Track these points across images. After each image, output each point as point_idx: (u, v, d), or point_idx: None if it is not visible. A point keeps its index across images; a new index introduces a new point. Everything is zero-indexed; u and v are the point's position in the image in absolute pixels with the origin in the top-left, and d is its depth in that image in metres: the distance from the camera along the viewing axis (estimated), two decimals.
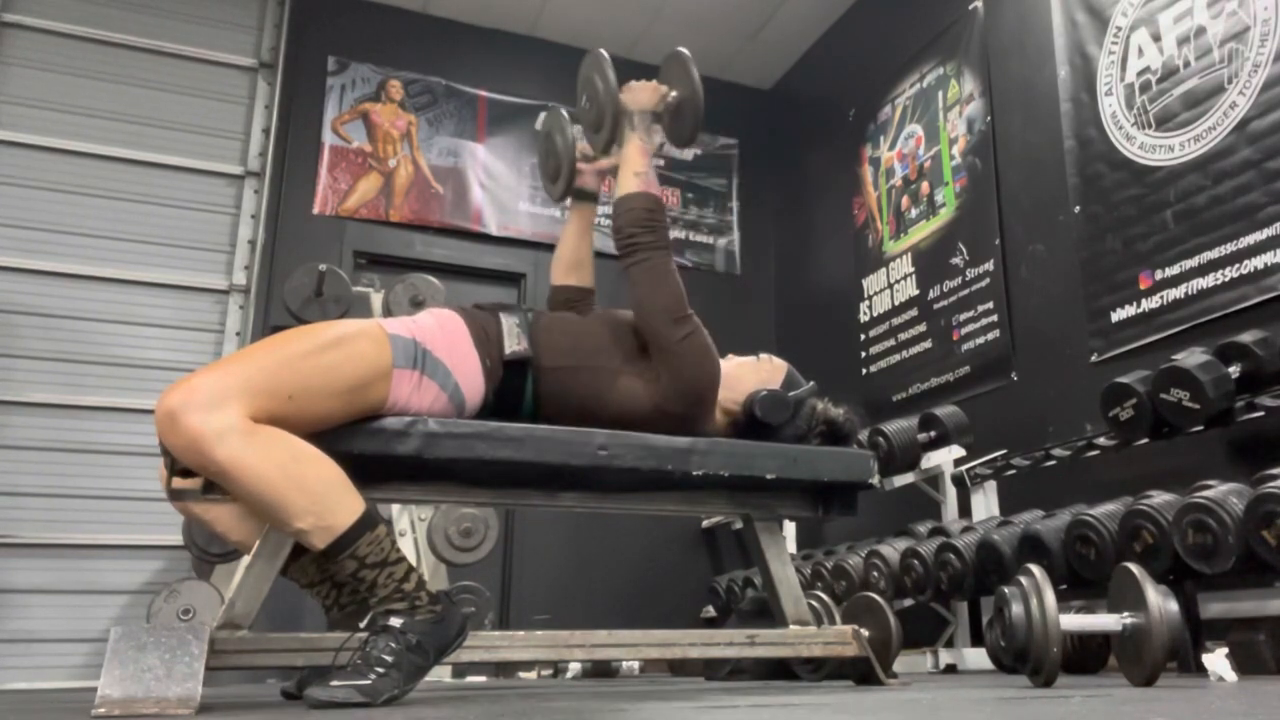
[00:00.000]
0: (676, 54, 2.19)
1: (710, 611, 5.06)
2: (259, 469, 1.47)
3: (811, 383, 2.11)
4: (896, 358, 4.75)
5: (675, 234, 5.71)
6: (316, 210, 5.06)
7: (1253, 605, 2.48)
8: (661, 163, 5.85)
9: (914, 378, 4.59)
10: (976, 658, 3.28)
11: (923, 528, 3.71)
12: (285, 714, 1.41)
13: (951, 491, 3.79)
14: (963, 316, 4.30)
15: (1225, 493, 2.41)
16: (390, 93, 5.36)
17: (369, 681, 1.44)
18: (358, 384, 1.63)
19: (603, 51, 2.16)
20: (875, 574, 3.57)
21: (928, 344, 4.52)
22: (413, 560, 3.48)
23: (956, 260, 4.38)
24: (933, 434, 3.83)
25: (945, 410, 3.87)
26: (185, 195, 4.80)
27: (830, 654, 2.06)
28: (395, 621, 1.52)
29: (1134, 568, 1.84)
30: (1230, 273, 3.10)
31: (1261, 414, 2.70)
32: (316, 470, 1.52)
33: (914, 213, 4.76)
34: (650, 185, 2.03)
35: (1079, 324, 3.65)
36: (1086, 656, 2.51)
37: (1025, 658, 1.81)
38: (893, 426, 3.89)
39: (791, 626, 2.05)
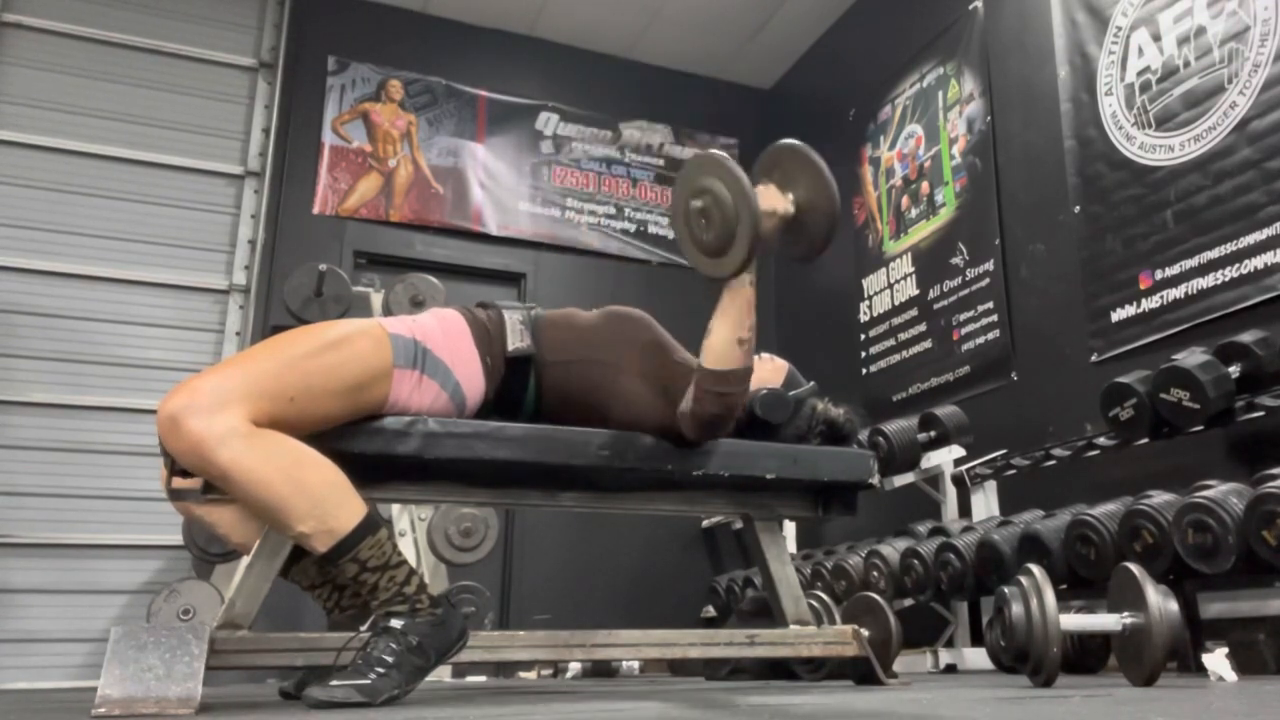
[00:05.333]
0: (796, 148, 1.69)
1: (710, 611, 5.06)
2: (261, 473, 1.47)
3: (812, 383, 2.11)
4: (896, 358, 4.74)
5: (674, 233, 5.70)
6: (316, 210, 5.06)
7: (1253, 605, 2.48)
8: (662, 163, 5.85)
9: (914, 378, 4.59)
10: (976, 658, 3.28)
11: (923, 528, 3.71)
12: (285, 714, 1.41)
13: (951, 491, 3.79)
14: (963, 316, 4.30)
15: (1225, 493, 2.41)
16: (390, 92, 5.36)
17: (368, 681, 1.44)
18: (359, 384, 1.63)
19: (721, 153, 1.67)
20: (875, 574, 3.57)
21: (928, 344, 4.52)
22: (413, 560, 3.49)
23: (956, 260, 4.38)
24: (933, 434, 3.83)
25: (945, 410, 3.87)
26: (185, 195, 4.80)
27: (830, 654, 2.06)
28: (396, 623, 1.52)
29: (1134, 568, 1.84)
30: (1230, 273, 3.10)
31: (1261, 414, 2.70)
32: (318, 474, 1.52)
33: (914, 213, 4.75)
34: (749, 355, 1.69)
35: (1079, 324, 3.65)
36: (1086, 656, 2.51)
37: (1025, 658, 1.81)
38: (893, 426, 3.88)
39: (791, 626, 2.05)
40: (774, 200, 1.67)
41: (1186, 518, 2.42)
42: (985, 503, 3.63)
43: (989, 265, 4.18)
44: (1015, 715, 1.17)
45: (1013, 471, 3.58)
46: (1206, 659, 2.09)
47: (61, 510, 4.27)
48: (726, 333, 1.67)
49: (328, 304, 3.83)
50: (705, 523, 5.31)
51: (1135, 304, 3.43)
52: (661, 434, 1.86)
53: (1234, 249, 3.10)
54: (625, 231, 5.61)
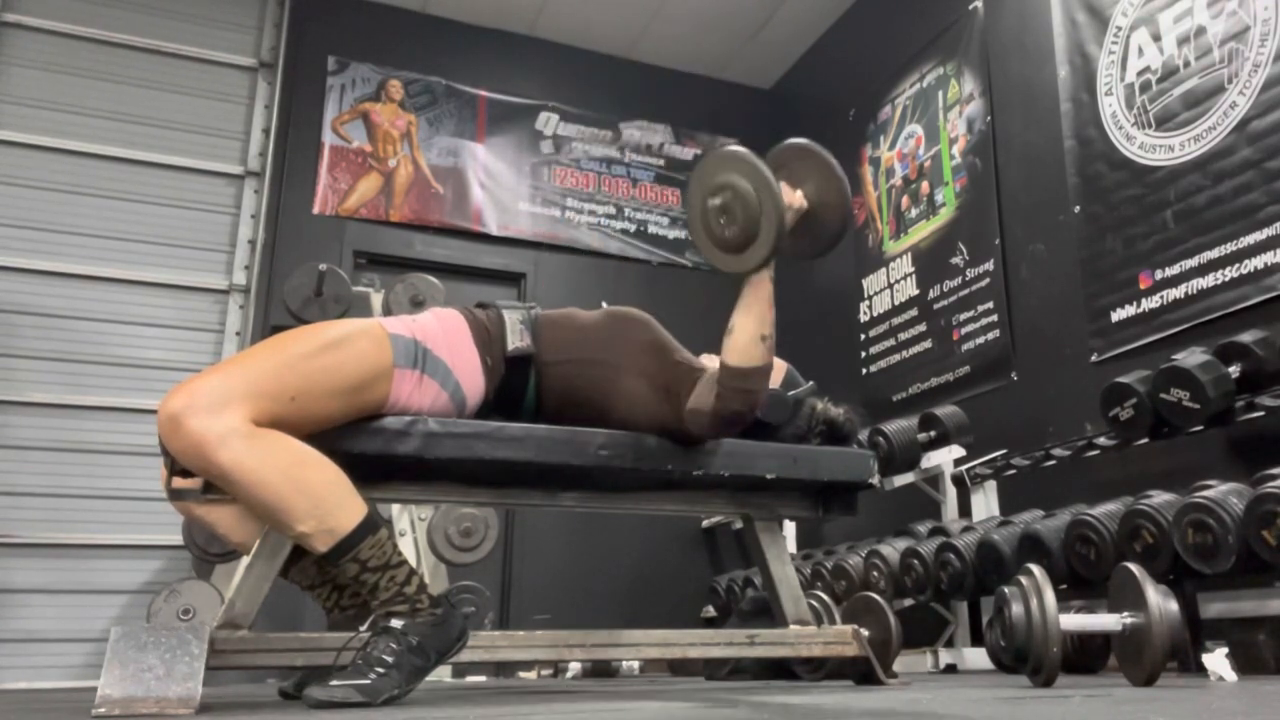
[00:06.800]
0: (804, 146, 1.73)
1: (710, 611, 5.06)
2: (261, 473, 1.47)
3: (811, 382, 2.11)
4: (896, 358, 4.75)
5: (676, 233, 5.71)
6: (316, 210, 5.06)
7: (1253, 605, 2.48)
8: (662, 163, 5.85)
9: (914, 378, 4.59)
10: (976, 658, 3.28)
11: (923, 528, 3.71)
12: (285, 714, 1.41)
13: (951, 491, 3.79)
14: (963, 316, 4.30)
15: (1225, 493, 2.41)
16: (390, 92, 5.36)
17: (368, 681, 1.44)
18: (359, 384, 1.63)
19: (742, 148, 1.65)
20: (875, 574, 3.57)
21: (928, 344, 4.52)
22: (413, 560, 3.48)
23: (956, 260, 4.38)
24: (933, 434, 3.83)
25: (945, 410, 3.87)
26: (185, 195, 4.80)
27: (830, 654, 2.06)
28: (396, 623, 1.52)
29: (1134, 568, 1.84)
30: (1230, 273, 3.10)
31: (1261, 414, 2.70)
32: (319, 474, 1.52)
33: (914, 212, 4.75)
34: (771, 352, 1.70)
35: (1079, 324, 3.65)
36: (1086, 656, 2.51)
37: (1025, 658, 1.81)
38: (893, 426, 3.88)
39: (791, 626, 2.05)
40: (790, 196, 1.70)
41: (1186, 518, 2.42)
42: (985, 503, 3.63)
43: (989, 265, 4.18)
44: (1015, 715, 1.17)
45: (1013, 471, 3.58)
46: (1206, 659, 2.09)
47: (61, 510, 4.27)
48: (750, 329, 1.69)
49: (328, 304, 3.83)
50: (705, 523, 5.31)
51: (1135, 304, 3.43)
52: (661, 433, 1.86)
53: (1234, 249, 3.10)
54: (625, 231, 5.61)
